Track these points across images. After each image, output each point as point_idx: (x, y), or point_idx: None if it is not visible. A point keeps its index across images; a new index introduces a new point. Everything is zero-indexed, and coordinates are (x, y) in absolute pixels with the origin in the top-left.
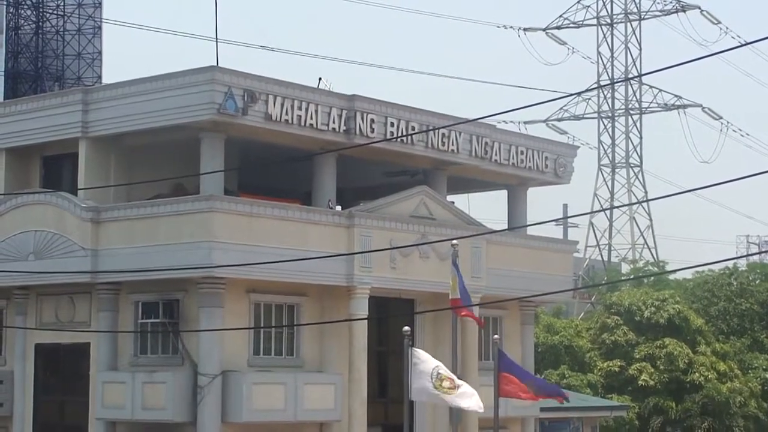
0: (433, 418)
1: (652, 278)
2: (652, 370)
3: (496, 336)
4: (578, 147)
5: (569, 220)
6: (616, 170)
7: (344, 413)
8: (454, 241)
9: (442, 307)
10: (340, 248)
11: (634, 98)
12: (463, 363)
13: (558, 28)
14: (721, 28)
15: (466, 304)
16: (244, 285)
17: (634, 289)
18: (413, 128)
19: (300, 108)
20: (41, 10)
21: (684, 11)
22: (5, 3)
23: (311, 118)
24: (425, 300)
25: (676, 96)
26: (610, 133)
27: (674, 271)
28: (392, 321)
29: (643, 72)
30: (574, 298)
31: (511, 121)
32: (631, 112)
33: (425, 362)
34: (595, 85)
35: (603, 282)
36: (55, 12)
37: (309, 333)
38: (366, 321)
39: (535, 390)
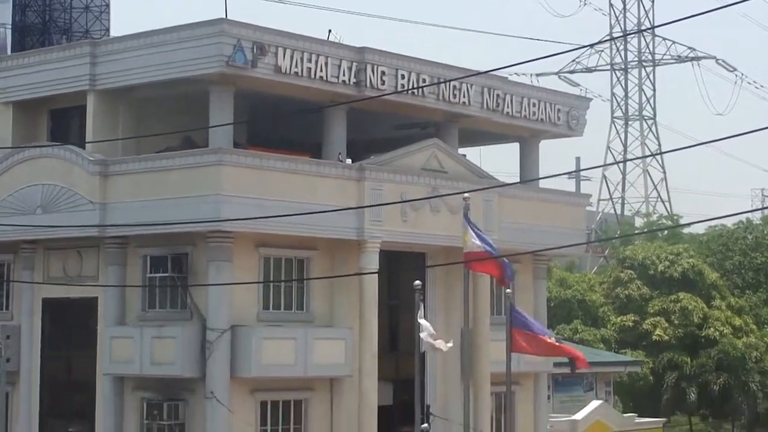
0: (444, 371)
1: (666, 232)
2: (667, 325)
3: (508, 290)
4: (591, 99)
5: (582, 173)
6: (630, 123)
7: (354, 368)
8: (466, 195)
9: (454, 261)
10: (351, 202)
11: (647, 50)
12: (474, 318)
13: None
14: None
15: (493, 255)
16: (253, 239)
17: (648, 243)
18: (424, 80)
19: (310, 60)
20: None
21: None
22: None
23: (321, 71)
24: (436, 254)
25: (689, 48)
26: (623, 86)
27: (688, 225)
28: (403, 275)
29: (656, 23)
30: (587, 252)
31: (523, 74)
32: (644, 64)
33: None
34: (608, 37)
35: (616, 236)
36: None
37: (319, 287)
38: (376, 275)
39: (547, 349)
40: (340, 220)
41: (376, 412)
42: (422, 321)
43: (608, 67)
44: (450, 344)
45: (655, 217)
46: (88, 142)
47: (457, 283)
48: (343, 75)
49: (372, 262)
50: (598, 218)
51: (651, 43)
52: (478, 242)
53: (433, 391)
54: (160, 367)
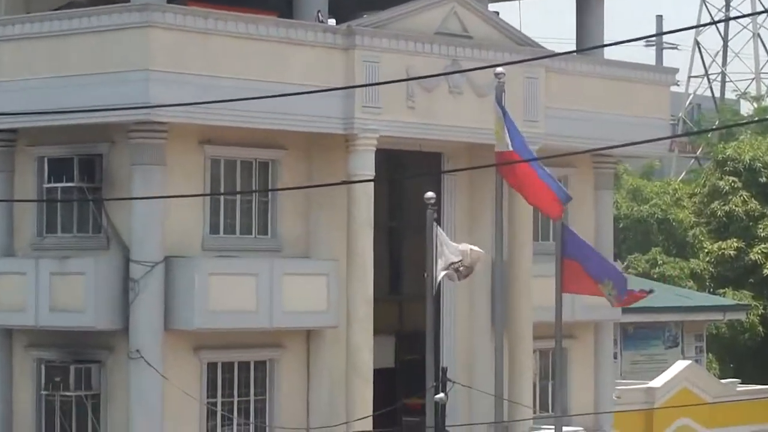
0: (467, 320)
1: None
2: None
3: None
4: None
5: (665, 38)
6: None
7: (341, 316)
8: (499, 69)
9: (482, 164)
10: (335, 80)
11: None
12: (511, 245)
13: None
14: None
15: (525, 158)
16: (196, 133)
17: (759, 138)
18: None
19: None
20: None
21: None
22: None
23: None
24: (457, 154)
25: None
26: None
27: None
28: (410, 184)
29: None
30: (671, 152)
31: None
32: None
33: (449, 247)
34: None
35: (714, 127)
36: None
37: (290, 202)
38: (372, 184)
39: (607, 285)
40: (319, 107)
41: (371, 377)
42: (441, 234)
43: None
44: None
45: None
46: None
47: (486, 195)
48: None
49: (365, 165)
50: (688, 103)
51: None
52: (508, 142)
53: (451, 349)
54: (64, 316)
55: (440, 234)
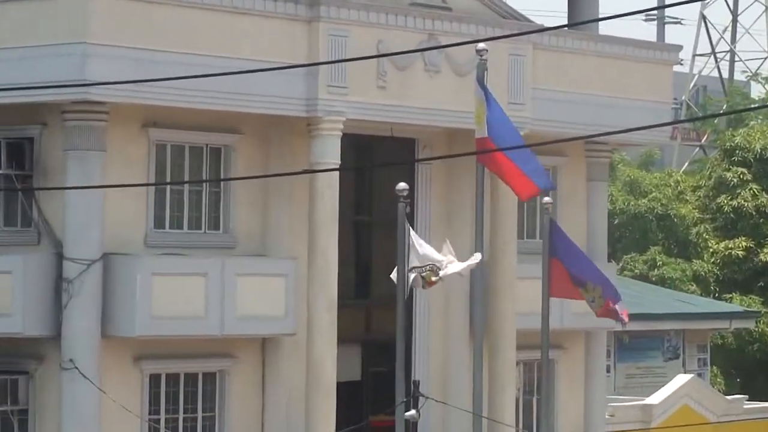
0: (443, 328)
1: None
2: None
3: (547, 199)
4: None
5: (667, 11)
6: None
7: (301, 322)
8: (481, 45)
9: (461, 153)
10: (296, 56)
11: None
12: (493, 243)
13: None
14: None
15: (508, 144)
16: (139, 115)
17: None
18: None
19: None
20: None
21: None
22: None
23: None
24: (433, 140)
25: None
26: None
27: None
28: (380, 174)
29: None
30: (673, 139)
31: None
32: None
33: (423, 248)
34: None
35: (721, 112)
36: None
37: (245, 193)
38: (337, 174)
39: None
40: (279, 86)
41: (334, 391)
42: (415, 238)
43: None
44: (476, 258)
45: None
46: None
47: (465, 187)
48: None
49: (330, 153)
50: (692, 85)
51: None
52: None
53: (425, 360)
54: None
55: (412, 234)
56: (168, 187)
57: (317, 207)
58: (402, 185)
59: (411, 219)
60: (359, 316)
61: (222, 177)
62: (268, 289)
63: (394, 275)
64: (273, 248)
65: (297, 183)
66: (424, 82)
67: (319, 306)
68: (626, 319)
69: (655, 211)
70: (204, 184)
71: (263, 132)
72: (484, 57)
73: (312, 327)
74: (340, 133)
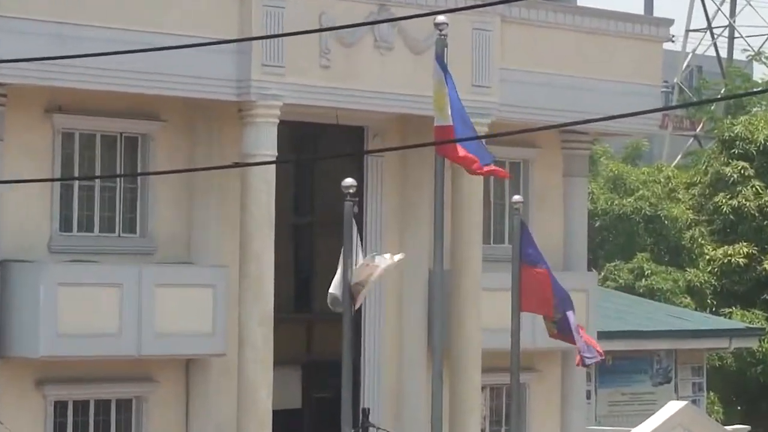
0: (397, 347)
1: None
2: None
3: (517, 197)
4: None
5: None
6: None
7: (231, 341)
8: (441, 18)
9: (418, 143)
10: (227, 30)
11: None
12: (455, 247)
13: None
14: None
15: (464, 135)
16: (42, 98)
17: None
18: None
19: None
20: None
21: None
22: None
23: None
24: (386, 128)
25: None
26: None
27: None
28: (323, 168)
29: None
30: (663, 128)
31: None
32: None
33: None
34: None
35: (719, 97)
36: None
37: (167, 191)
38: (273, 168)
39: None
40: (206, 66)
41: (269, 420)
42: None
43: None
44: (398, 256)
45: None
46: None
47: (423, 182)
48: None
49: (265, 143)
50: (685, 65)
51: None
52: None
53: (375, 384)
54: None
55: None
56: (76, 183)
57: (250, 207)
58: (349, 181)
59: (359, 220)
60: (299, 333)
61: (139, 171)
62: (193, 301)
63: (335, 287)
64: (199, 254)
65: (227, 178)
66: (375, 61)
67: (253, 321)
68: (601, 355)
69: (643, 211)
70: (118, 180)
71: (187, 119)
72: (443, 32)
73: (244, 346)
74: (277, 120)
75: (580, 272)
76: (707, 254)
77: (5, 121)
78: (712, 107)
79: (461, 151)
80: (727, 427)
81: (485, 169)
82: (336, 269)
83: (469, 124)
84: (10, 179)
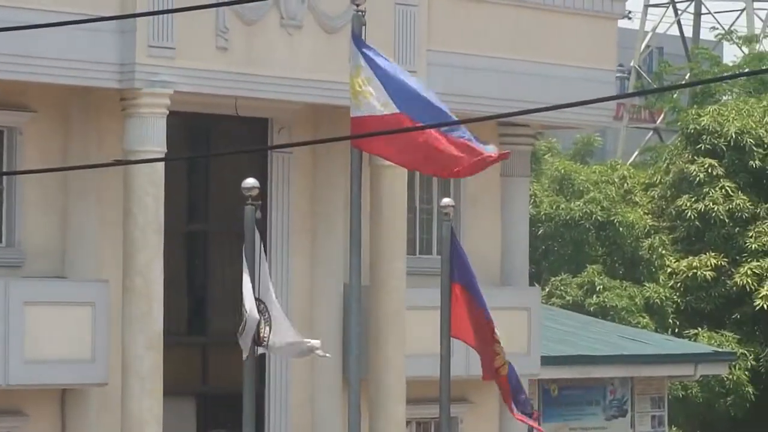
0: (310, 373)
1: None
2: None
3: (447, 200)
4: None
5: None
6: None
7: (114, 368)
8: None
9: (332, 137)
10: (106, 6)
11: None
12: (374, 259)
13: None
14: None
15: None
16: None
17: (750, 101)
18: None
19: None
20: None
21: None
22: None
23: None
24: (294, 120)
25: None
26: None
27: None
28: (221, 167)
29: None
30: (618, 119)
31: None
32: None
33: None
34: None
35: (683, 83)
36: None
37: (38, 193)
38: (162, 167)
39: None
40: (81, 48)
41: None
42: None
43: None
44: (320, 352)
45: (764, 46)
46: None
47: (339, 183)
48: None
49: (152, 138)
50: (644, 45)
51: None
52: (377, 102)
53: (282, 419)
54: None
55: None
56: None
57: (134, 212)
58: (250, 182)
59: (263, 227)
60: (193, 359)
61: (4, 170)
62: (68, 322)
63: (248, 306)
64: (75, 267)
65: (107, 179)
66: (281, 43)
67: (139, 345)
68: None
69: (594, 217)
70: None
71: (61, 110)
72: (361, 7)
73: (129, 374)
74: (167, 111)
75: (520, 288)
76: (669, 266)
77: None
78: (675, 95)
79: (447, 140)
80: None
81: (487, 154)
82: (237, 285)
83: (436, 106)
84: None
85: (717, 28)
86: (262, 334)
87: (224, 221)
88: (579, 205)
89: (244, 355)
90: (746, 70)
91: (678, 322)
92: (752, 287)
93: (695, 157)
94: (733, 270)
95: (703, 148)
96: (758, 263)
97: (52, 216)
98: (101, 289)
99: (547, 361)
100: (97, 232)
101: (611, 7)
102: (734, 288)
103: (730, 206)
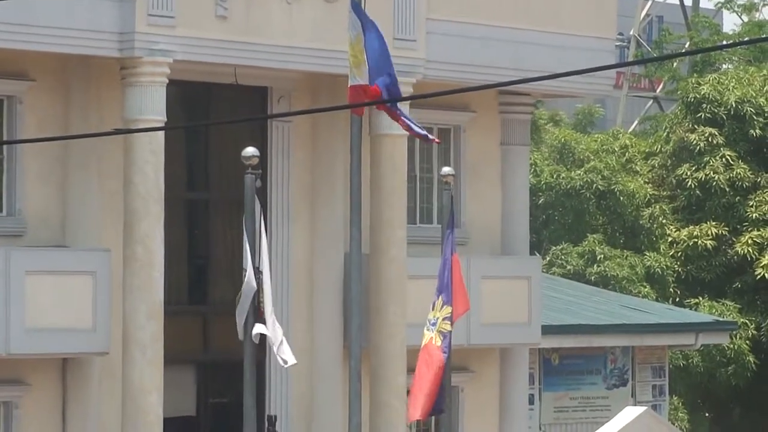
0: (310, 343)
1: None
2: None
3: (447, 169)
4: None
5: None
6: None
7: (115, 337)
8: None
9: (331, 106)
10: None
11: None
12: (374, 228)
13: None
14: None
15: (390, 96)
16: None
17: (751, 69)
18: None
19: None
20: None
21: None
22: None
23: None
24: (294, 89)
25: None
26: None
27: None
28: (221, 136)
29: None
30: (618, 88)
31: None
32: None
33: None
34: None
35: (682, 51)
36: None
37: (38, 162)
38: (162, 136)
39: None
40: (81, 17)
41: (160, 429)
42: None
43: None
44: (291, 361)
45: (764, 14)
46: None
47: (338, 152)
48: None
49: (152, 107)
50: (644, 14)
51: None
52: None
53: (283, 388)
54: None
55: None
56: None
57: (135, 181)
58: (250, 150)
59: (263, 196)
60: (194, 328)
61: (4, 139)
62: (69, 291)
63: (248, 282)
64: (76, 236)
65: (108, 148)
66: (280, 11)
67: (140, 315)
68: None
69: (594, 186)
70: None
71: (61, 79)
72: None
73: (130, 343)
74: (166, 80)
75: (521, 257)
76: (669, 236)
77: None
78: (675, 64)
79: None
80: None
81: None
82: (237, 254)
83: (394, 84)
84: None
85: None
86: (261, 307)
87: (224, 190)
88: (579, 174)
89: (240, 335)
90: (746, 39)
91: (679, 292)
92: (753, 256)
93: (695, 126)
94: (733, 239)
95: (703, 117)
96: (759, 232)
97: (53, 185)
98: (102, 258)
99: (548, 330)
100: (97, 201)
101: None
102: (735, 257)
103: (731, 175)
